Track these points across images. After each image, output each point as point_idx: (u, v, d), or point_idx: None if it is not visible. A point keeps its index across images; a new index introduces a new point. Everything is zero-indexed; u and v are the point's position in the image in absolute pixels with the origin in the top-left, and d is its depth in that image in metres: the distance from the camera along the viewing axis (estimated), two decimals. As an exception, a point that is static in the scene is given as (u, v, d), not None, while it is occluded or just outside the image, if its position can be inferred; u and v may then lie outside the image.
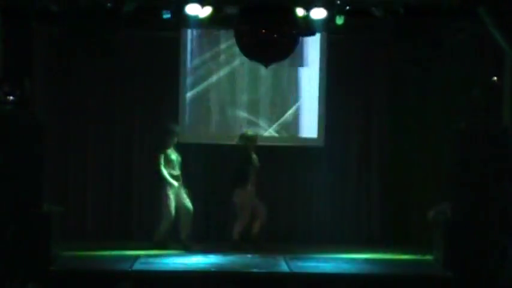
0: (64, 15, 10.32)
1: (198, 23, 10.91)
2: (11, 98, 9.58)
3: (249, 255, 10.47)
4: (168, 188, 10.96)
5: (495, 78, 10.38)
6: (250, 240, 11.07)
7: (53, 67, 11.63)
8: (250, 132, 11.29)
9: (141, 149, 11.90)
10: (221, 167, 11.89)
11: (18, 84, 9.75)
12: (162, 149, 11.03)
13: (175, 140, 11.15)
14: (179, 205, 11.01)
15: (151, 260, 10.04)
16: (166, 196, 10.95)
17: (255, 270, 9.53)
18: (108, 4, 10.28)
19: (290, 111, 11.88)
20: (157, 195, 11.12)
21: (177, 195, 11.01)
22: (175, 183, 10.97)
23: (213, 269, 9.58)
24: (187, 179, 11.21)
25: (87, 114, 11.85)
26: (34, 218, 9.29)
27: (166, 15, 10.75)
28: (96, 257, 10.28)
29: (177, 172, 11.09)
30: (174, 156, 11.07)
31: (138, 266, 9.62)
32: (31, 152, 9.38)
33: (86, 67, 11.62)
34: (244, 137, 11.18)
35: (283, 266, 9.86)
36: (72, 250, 10.28)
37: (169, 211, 10.94)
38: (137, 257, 10.17)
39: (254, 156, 11.14)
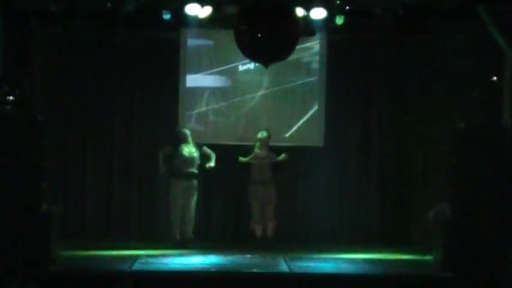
0: (64, 15, 10.34)
1: (198, 23, 10.95)
2: (11, 98, 9.58)
3: (249, 255, 10.47)
4: (176, 184, 11.00)
5: (495, 77, 10.38)
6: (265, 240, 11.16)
7: (53, 67, 11.64)
8: (259, 134, 11.32)
9: (141, 149, 11.90)
10: (221, 167, 11.89)
11: (18, 84, 9.75)
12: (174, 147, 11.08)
13: (190, 139, 11.15)
14: (185, 203, 11.04)
15: (151, 260, 10.03)
16: (174, 192, 11.01)
17: (255, 270, 9.53)
18: (108, 4, 10.30)
19: (290, 112, 11.90)
20: (165, 192, 11.24)
21: (187, 193, 11.04)
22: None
23: (213, 269, 9.57)
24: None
25: (87, 114, 11.85)
26: (34, 218, 9.29)
27: (166, 15, 10.78)
28: (96, 257, 10.27)
29: (192, 170, 11.11)
30: (189, 154, 11.08)
31: (138, 266, 9.61)
32: (31, 152, 9.37)
33: (85, 67, 11.62)
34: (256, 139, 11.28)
35: (283, 266, 9.84)
36: (72, 250, 10.29)
37: (175, 208, 11.01)
38: (137, 257, 10.17)
39: (259, 154, 11.18)
